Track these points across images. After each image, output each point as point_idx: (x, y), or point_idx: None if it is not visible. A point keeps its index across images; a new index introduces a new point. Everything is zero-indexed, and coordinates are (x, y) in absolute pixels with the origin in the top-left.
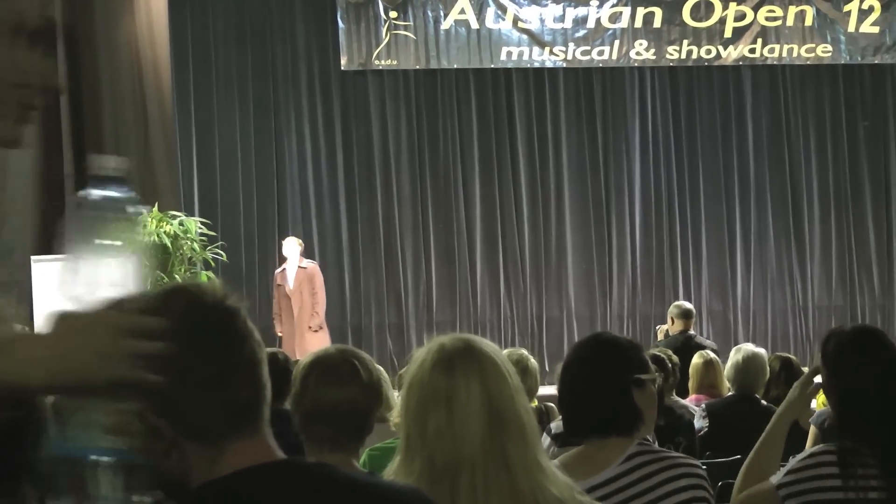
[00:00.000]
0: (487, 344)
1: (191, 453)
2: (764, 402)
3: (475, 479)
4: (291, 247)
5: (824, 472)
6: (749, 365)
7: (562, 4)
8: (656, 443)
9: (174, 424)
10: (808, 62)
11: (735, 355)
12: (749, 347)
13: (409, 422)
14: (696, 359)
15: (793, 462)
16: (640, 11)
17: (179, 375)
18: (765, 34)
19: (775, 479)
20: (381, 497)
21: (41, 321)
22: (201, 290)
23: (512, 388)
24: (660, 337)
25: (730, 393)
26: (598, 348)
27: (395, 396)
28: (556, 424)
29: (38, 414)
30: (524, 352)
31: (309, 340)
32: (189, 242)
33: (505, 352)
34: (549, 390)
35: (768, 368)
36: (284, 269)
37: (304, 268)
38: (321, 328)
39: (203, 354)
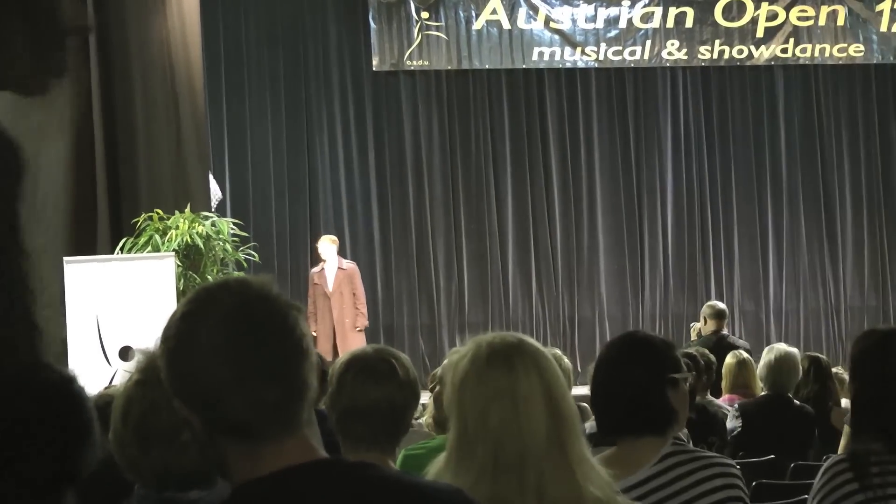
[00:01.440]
0: (535, 342)
1: (229, 451)
2: (797, 401)
3: (542, 473)
4: (327, 247)
5: (841, 480)
6: (782, 364)
7: (593, 4)
8: (690, 442)
9: (208, 419)
10: (841, 62)
11: (767, 355)
12: (782, 347)
13: (464, 418)
14: (730, 359)
15: (814, 487)
16: (672, 11)
17: (212, 371)
18: (797, 34)
19: None
20: (425, 497)
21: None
22: (246, 287)
23: (564, 383)
24: (693, 336)
25: (763, 393)
26: (632, 347)
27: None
28: (590, 424)
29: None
30: (558, 351)
31: (352, 340)
32: (221, 243)
33: None
34: (580, 391)
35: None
36: (322, 269)
37: (344, 269)
38: (366, 327)
39: (236, 351)
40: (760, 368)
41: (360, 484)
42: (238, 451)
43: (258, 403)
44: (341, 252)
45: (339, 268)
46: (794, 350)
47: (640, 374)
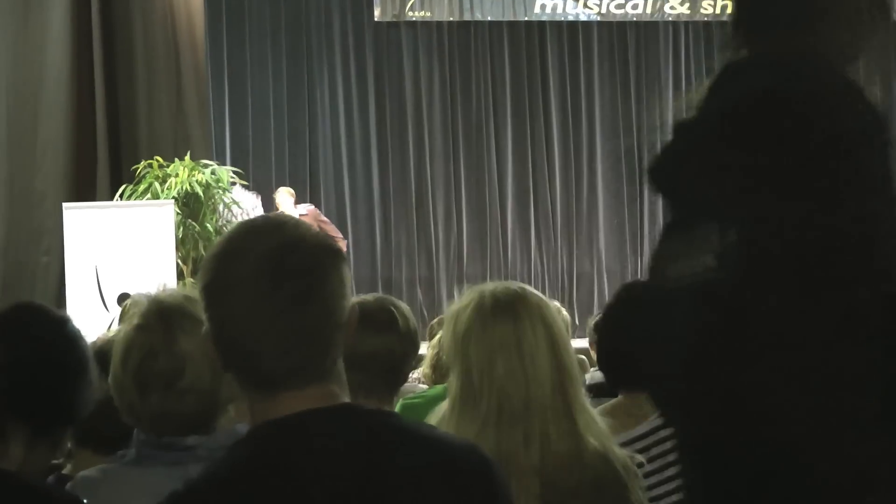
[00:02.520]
0: (537, 292)
1: (248, 395)
2: None
3: (546, 424)
4: (283, 199)
5: None
6: None
7: None
8: None
9: (232, 365)
10: None
11: None
12: None
13: (468, 368)
14: None
15: None
16: None
17: (238, 322)
18: None
19: None
20: (441, 450)
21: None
22: (280, 233)
23: (567, 334)
24: None
25: None
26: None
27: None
28: (591, 376)
29: (79, 356)
30: (557, 303)
31: None
32: (221, 192)
33: None
34: (579, 343)
35: None
36: None
37: (305, 214)
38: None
39: (264, 306)
40: None
41: (376, 430)
42: (257, 396)
43: (282, 358)
44: (340, 203)
45: (300, 215)
46: None
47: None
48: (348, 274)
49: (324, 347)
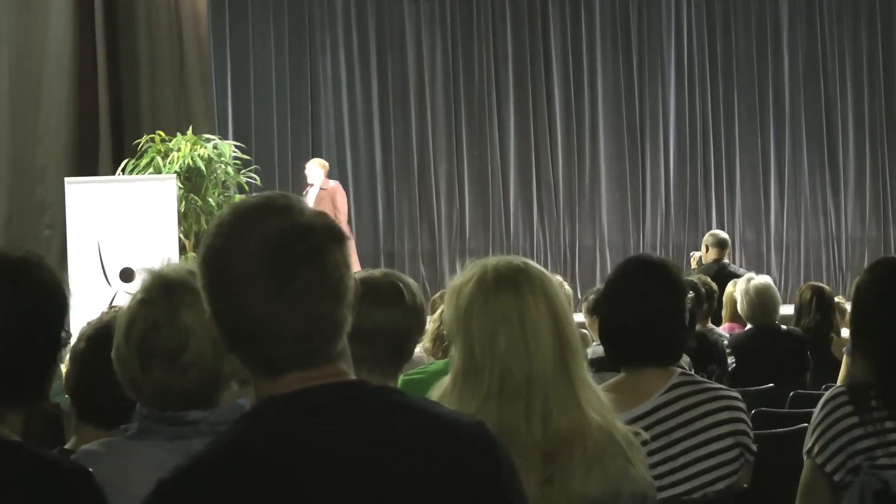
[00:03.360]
0: (539, 266)
1: (253, 373)
2: (784, 326)
3: (548, 398)
4: (313, 169)
5: (841, 413)
6: (766, 298)
7: None
8: (692, 370)
9: (236, 348)
10: None
11: (746, 291)
12: (759, 280)
13: (470, 342)
14: (730, 288)
15: (814, 419)
16: None
17: (243, 306)
18: None
19: (813, 456)
20: (446, 427)
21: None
22: (289, 213)
23: (569, 308)
24: (693, 265)
25: (748, 327)
26: (649, 273)
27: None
28: (592, 350)
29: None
30: (559, 277)
31: None
32: (223, 166)
33: None
34: (581, 317)
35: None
36: (307, 192)
37: (325, 189)
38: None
39: (270, 289)
40: (741, 304)
41: (382, 406)
42: (264, 375)
43: (295, 345)
44: (343, 177)
45: (321, 188)
46: (769, 279)
47: (663, 303)
48: (351, 252)
49: (335, 332)
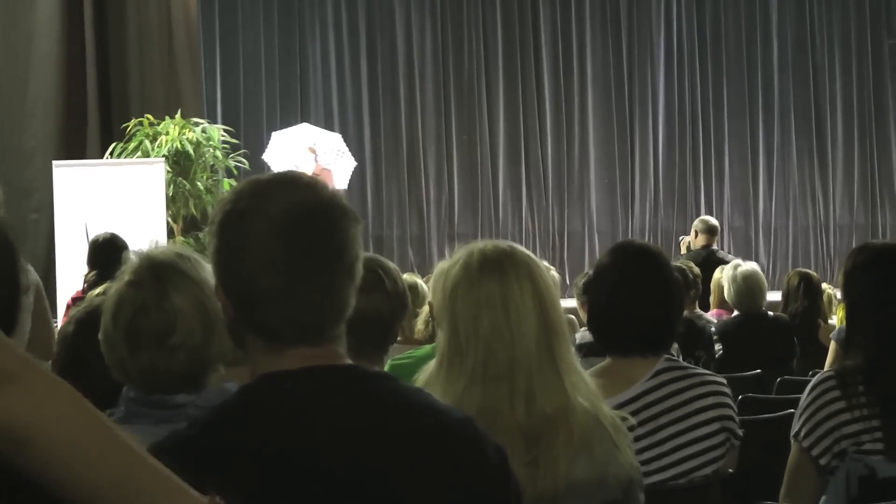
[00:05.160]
0: (527, 251)
1: (254, 344)
2: (771, 313)
3: (531, 381)
4: (303, 155)
5: (829, 398)
6: (752, 284)
7: None
8: (680, 356)
9: (242, 316)
10: None
11: (733, 277)
12: (746, 266)
13: (455, 324)
14: (717, 274)
15: (801, 404)
16: None
17: (255, 278)
18: None
19: (800, 440)
20: (437, 420)
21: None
22: (304, 192)
23: (555, 293)
24: (682, 250)
25: (735, 313)
26: (640, 258)
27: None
28: (581, 335)
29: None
30: (546, 263)
31: None
32: (211, 150)
33: None
34: (569, 303)
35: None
36: None
37: (318, 174)
38: None
39: (282, 266)
40: (728, 291)
41: (376, 392)
42: (263, 346)
43: (295, 319)
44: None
45: (313, 174)
46: (756, 265)
47: (655, 292)
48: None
49: (342, 310)
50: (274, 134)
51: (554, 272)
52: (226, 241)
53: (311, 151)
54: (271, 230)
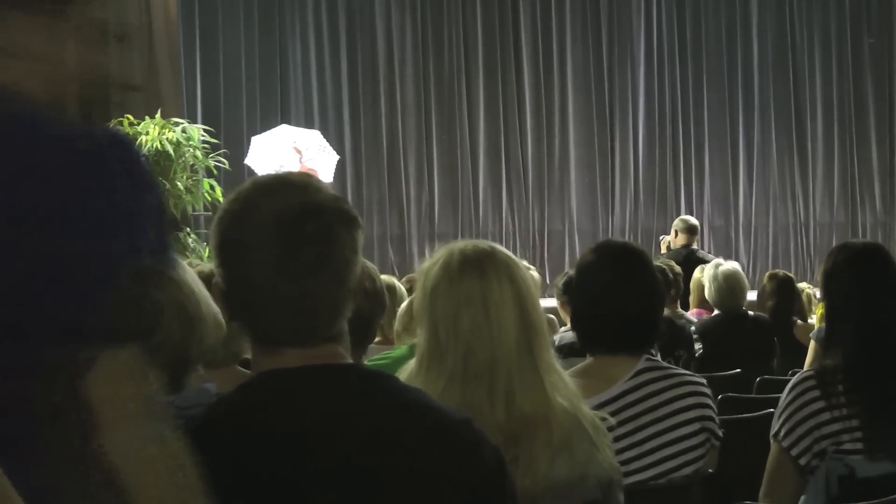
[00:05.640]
0: (507, 251)
1: (252, 344)
2: (751, 312)
3: (511, 381)
4: (288, 155)
5: (808, 398)
6: (732, 284)
7: None
8: (659, 355)
9: (239, 318)
10: None
11: (714, 276)
12: (726, 266)
13: (435, 324)
14: (697, 273)
15: (781, 403)
16: None
17: (250, 281)
18: None
19: (780, 439)
20: (435, 419)
21: None
22: (303, 194)
23: (535, 293)
24: (663, 249)
25: (715, 313)
26: (623, 262)
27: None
28: (560, 336)
29: None
30: (527, 263)
31: None
32: (191, 150)
33: None
34: (549, 303)
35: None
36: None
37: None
38: None
39: (276, 270)
40: (707, 286)
41: (375, 390)
42: (262, 346)
43: (286, 321)
44: None
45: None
46: (737, 265)
47: (638, 291)
48: (361, 238)
49: (333, 312)
50: (254, 138)
51: (534, 272)
52: (224, 240)
53: (296, 151)
54: (264, 232)
